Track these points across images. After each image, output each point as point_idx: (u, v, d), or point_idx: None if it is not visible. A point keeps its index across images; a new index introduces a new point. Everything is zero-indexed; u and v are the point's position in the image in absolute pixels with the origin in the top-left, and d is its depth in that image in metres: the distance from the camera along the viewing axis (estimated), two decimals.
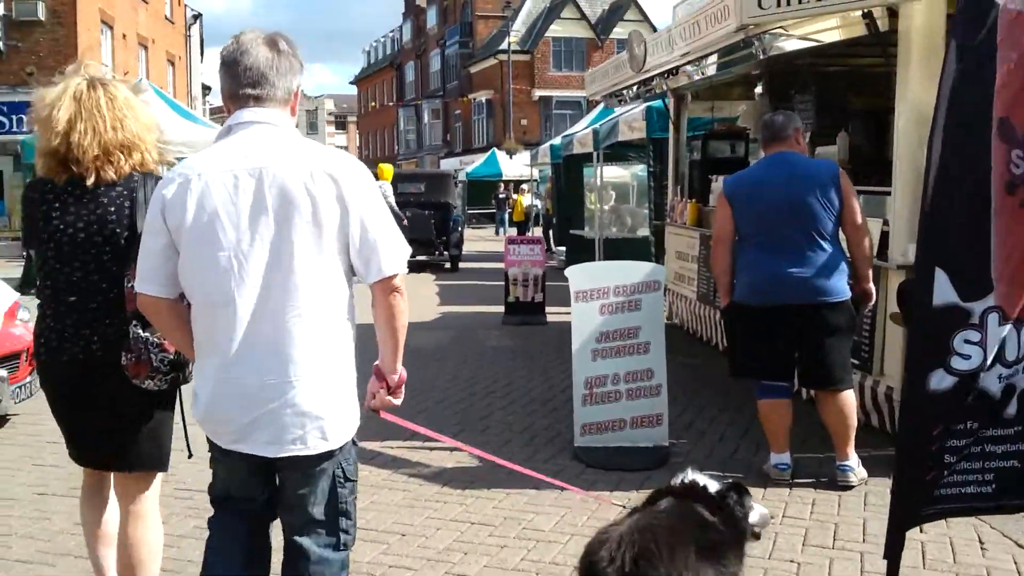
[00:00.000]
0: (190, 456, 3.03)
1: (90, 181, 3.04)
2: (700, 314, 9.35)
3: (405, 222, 16.75)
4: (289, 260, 2.46)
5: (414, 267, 17.33)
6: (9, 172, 23.53)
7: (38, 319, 3.16)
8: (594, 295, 5.67)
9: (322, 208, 2.46)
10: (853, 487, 4.88)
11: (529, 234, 24.17)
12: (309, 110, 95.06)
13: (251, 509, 2.69)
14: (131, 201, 3.04)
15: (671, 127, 10.76)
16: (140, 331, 2.97)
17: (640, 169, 21.05)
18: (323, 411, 2.53)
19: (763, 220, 4.90)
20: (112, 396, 3.06)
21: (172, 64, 33.10)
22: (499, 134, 46.99)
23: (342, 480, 2.63)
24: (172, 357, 3.00)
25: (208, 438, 2.67)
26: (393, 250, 2.55)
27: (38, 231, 3.08)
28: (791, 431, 5.09)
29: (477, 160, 42.43)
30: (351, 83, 78.60)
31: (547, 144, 21.90)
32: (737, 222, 5.02)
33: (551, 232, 22.25)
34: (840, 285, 4.83)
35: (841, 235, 4.91)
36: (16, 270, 15.42)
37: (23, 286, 15.12)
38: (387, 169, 17.63)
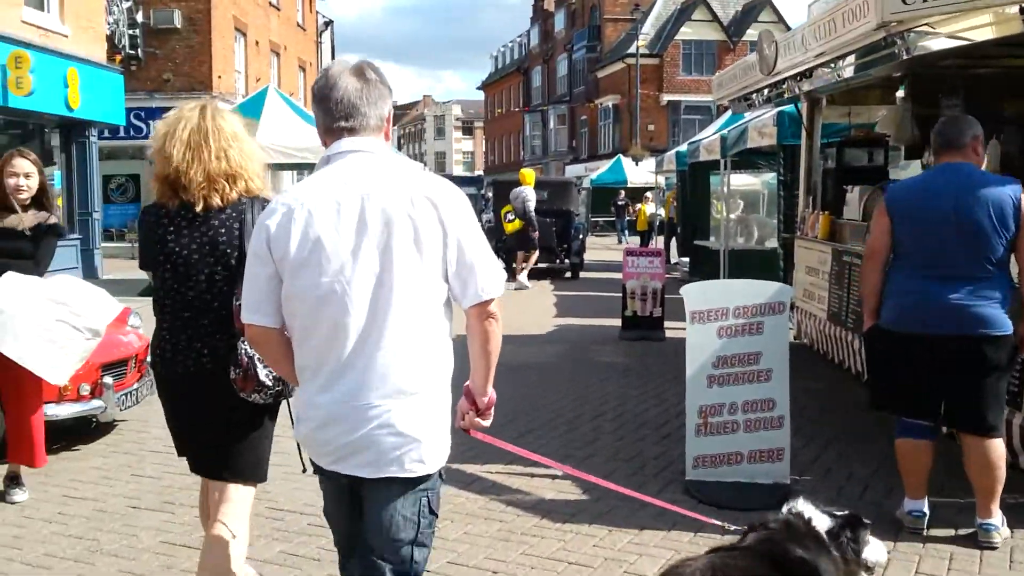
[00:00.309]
0: (304, 471, 3.05)
1: (199, 207, 3.23)
2: (831, 334, 8.72)
3: (536, 233, 16.72)
4: (391, 284, 2.49)
5: (535, 274, 17.49)
6: (147, 175, 24.40)
7: (155, 333, 3.36)
8: (712, 316, 5.23)
9: (423, 232, 2.50)
10: (996, 548, 4.31)
11: (652, 244, 23.62)
12: (437, 115, 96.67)
13: (352, 527, 2.71)
14: (240, 224, 3.23)
15: (803, 133, 10.14)
16: (248, 347, 3.06)
17: (770, 178, 20.24)
18: (421, 434, 2.54)
19: (925, 237, 4.36)
20: (219, 408, 3.21)
21: (303, 70, 33.98)
22: (625, 140, 46.38)
23: (426, 511, 2.63)
24: (277, 373, 3.05)
25: (311, 459, 2.70)
26: (490, 274, 2.58)
27: (155, 253, 3.29)
28: (930, 474, 4.55)
29: (602, 166, 41.98)
30: (478, 88, 79.38)
31: (673, 151, 21.31)
32: (896, 236, 4.47)
33: (673, 242, 21.75)
34: (1004, 317, 4.25)
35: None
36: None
37: (151, 290, 15.54)
38: (529, 174, 17.83)
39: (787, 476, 5.14)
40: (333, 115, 2.59)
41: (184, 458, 3.49)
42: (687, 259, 18.85)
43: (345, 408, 2.51)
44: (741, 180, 17.77)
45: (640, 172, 38.21)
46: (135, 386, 6.34)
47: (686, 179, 19.18)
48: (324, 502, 2.80)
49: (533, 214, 16.73)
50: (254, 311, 2.61)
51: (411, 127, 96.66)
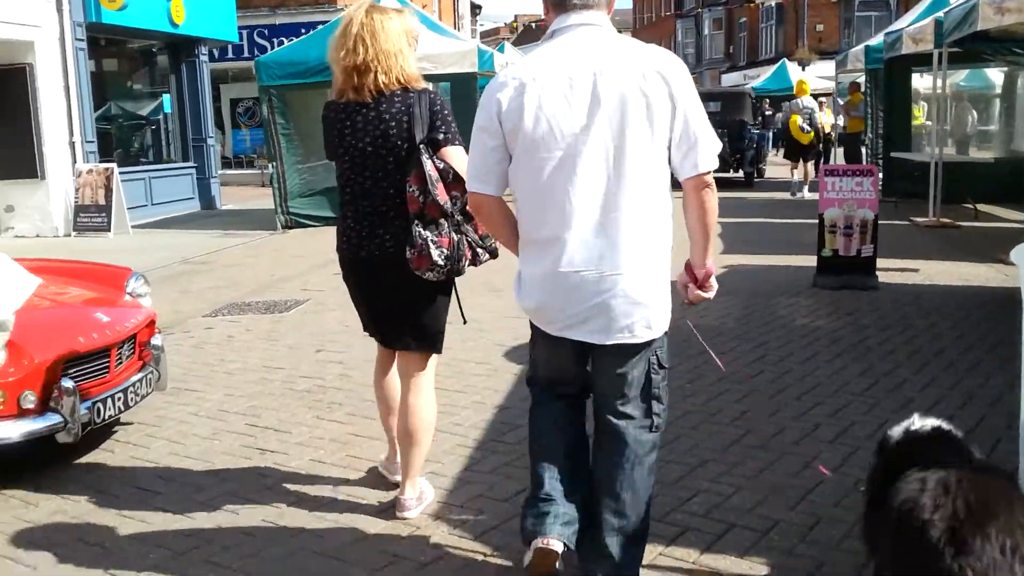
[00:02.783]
0: (464, 323, 3.84)
1: (343, 99, 3.46)
2: None
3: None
4: (623, 157, 2.60)
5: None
6: None
7: (340, 220, 3.58)
8: None
9: (655, 105, 2.58)
10: None
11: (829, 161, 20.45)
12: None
13: (569, 392, 2.91)
14: (408, 116, 3.39)
15: None
16: (421, 230, 3.34)
17: (997, 73, 16.82)
18: (650, 301, 2.68)
19: None
20: (400, 285, 3.44)
21: None
22: (791, 43, 42.08)
23: (656, 367, 2.78)
24: (448, 252, 3.34)
25: (534, 325, 2.86)
26: (710, 148, 2.66)
27: (334, 147, 3.52)
28: None
29: (764, 74, 38.23)
30: None
31: (860, 46, 17.96)
32: None
33: (832, 157, 19.08)
34: None
35: None
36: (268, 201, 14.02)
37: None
38: (806, 84, 18.15)
39: None
40: None
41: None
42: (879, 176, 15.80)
43: (576, 277, 2.65)
44: (957, 77, 14.53)
45: (807, 78, 34.30)
46: (132, 380, 4.40)
47: (879, 79, 15.97)
48: (534, 366, 2.99)
49: (817, 122, 17.06)
50: (480, 180, 2.77)
51: None
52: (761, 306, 7.23)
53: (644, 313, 2.65)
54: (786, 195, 16.58)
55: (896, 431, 2.57)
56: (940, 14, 11.93)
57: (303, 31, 20.67)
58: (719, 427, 4.46)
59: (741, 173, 19.16)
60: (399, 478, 3.72)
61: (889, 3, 40.53)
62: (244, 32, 22.16)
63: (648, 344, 2.71)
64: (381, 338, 3.69)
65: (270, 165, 13.94)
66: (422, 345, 3.58)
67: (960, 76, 16.14)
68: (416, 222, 3.33)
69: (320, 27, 15.42)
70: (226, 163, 23.90)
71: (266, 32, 22.54)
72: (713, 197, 2.67)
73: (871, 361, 5.55)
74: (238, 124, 24.72)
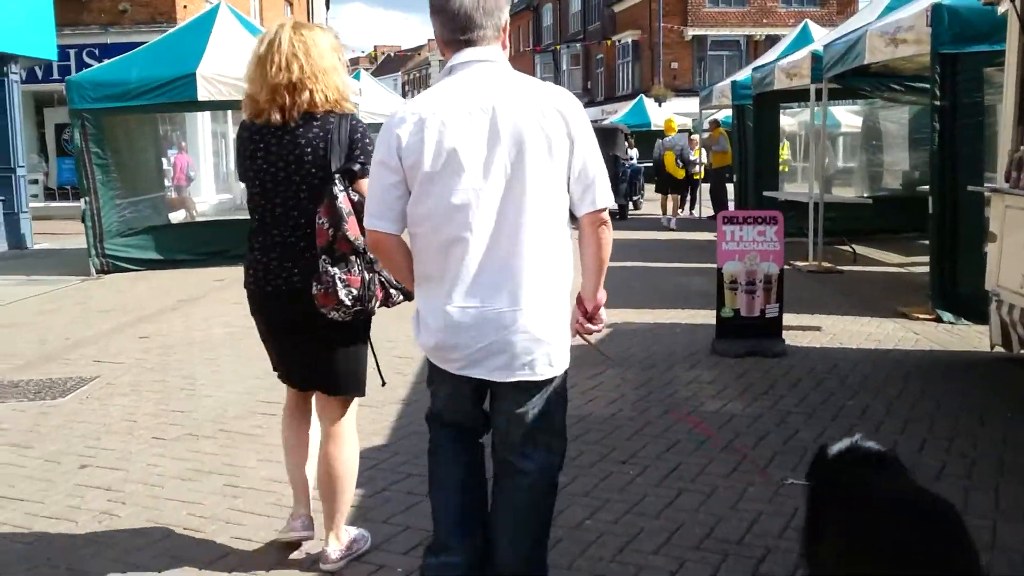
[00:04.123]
0: (383, 384, 3.54)
1: (259, 120, 3.23)
2: None
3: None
4: (523, 193, 2.58)
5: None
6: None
7: (248, 251, 3.35)
8: None
9: (554, 143, 2.60)
10: None
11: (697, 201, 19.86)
12: (441, 60, 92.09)
13: (469, 429, 2.86)
14: (325, 142, 3.19)
15: (1013, 27, 6.33)
16: (329, 266, 3.13)
17: (843, 112, 16.71)
18: (551, 338, 2.66)
19: None
20: (313, 323, 3.20)
21: (290, 4, 30.12)
22: (646, 80, 42.37)
23: (557, 405, 2.78)
24: (357, 292, 3.15)
25: (433, 364, 2.79)
26: (606, 186, 2.72)
27: (245, 169, 3.31)
28: None
29: (622, 109, 38.41)
30: None
31: (726, 82, 17.42)
32: None
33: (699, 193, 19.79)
34: None
35: None
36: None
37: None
38: (674, 122, 20.11)
39: None
40: (451, 28, 2.65)
41: None
42: None
43: (477, 315, 2.59)
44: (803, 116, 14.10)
45: (664, 114, 34.35)
46: None
47: (746, 115, 15.36)
48: (441, 404, 2.86)
49: (689, 158, 18.65)
50: (378, 217, 2.67)
51: (415, 72, 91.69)
52: (658, 384, 5.97)
53: (545, 350, 2.65)
54: (660, 233, 16.42)
55: (835, 449, 2.60)
56: (818, 47, 11.31)
57: None
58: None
59: (616, 206, 19.94)
60: (304, 534, 3.49)
61: (740, 44, 41.37)
62: (72, 51, 20.22)
63: (549, 382, 2.71)
64: (292, 380, 3.47)
65: (83, 200, 12.08)
66: (334, 388, 3.37)
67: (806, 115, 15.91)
68: (324, 257, 3.13)
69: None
70: (51, 195, 21.68)
71: (96, 52, 20.47)
72: (609, 233, 2.75)
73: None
74: (64, 152, 22.34)
